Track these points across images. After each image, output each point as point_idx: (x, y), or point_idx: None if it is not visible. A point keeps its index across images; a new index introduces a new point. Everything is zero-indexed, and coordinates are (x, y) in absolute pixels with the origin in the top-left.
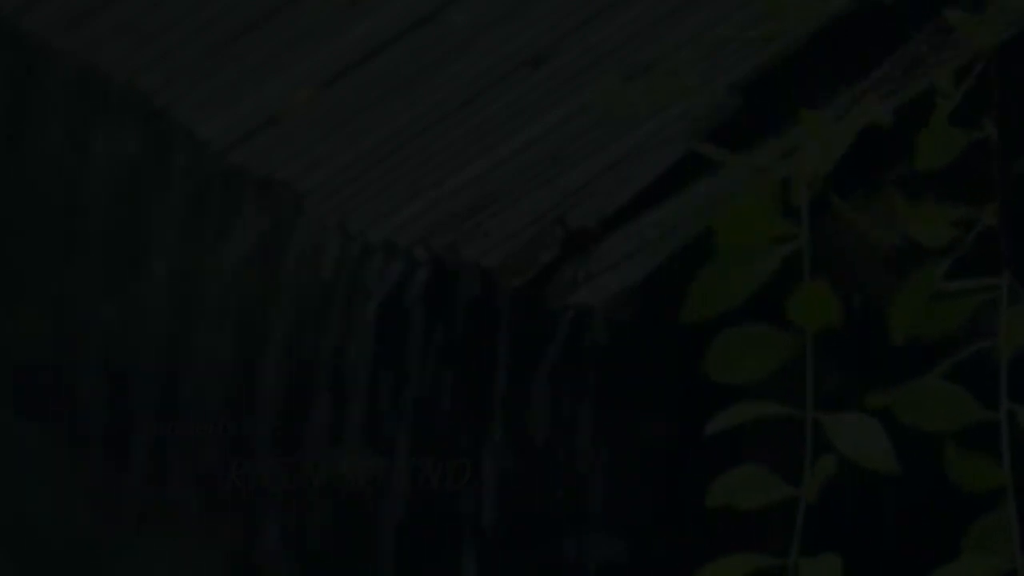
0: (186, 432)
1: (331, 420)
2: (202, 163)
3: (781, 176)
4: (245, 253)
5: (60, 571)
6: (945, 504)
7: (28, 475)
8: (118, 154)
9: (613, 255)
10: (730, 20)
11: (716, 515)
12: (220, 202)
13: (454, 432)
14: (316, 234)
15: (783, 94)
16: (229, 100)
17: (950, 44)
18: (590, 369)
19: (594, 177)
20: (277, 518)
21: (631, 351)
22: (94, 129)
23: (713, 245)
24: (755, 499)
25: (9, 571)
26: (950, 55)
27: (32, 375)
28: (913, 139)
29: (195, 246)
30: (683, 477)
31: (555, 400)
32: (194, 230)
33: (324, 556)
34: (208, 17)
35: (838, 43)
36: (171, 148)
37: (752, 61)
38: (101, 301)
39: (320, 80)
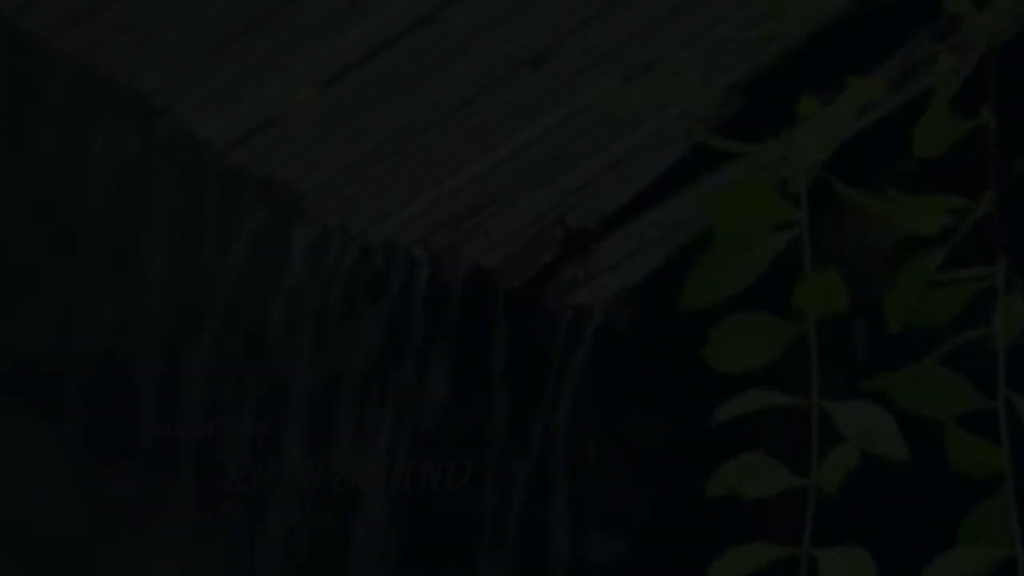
0: (186, 432)
1: (331, 420)
2: (202, 163)
3: (781, 163)
4: (245, 253)
5: (60, 571)
6: (945, 490)
7: (28, 475)
8: (118, 154)
9: (613, 255)
10: (730, 20)
11: (716, 515)
12: (220, 202)
13: (454, 432)
14: (316, 234)
15: (783, 94)
16: (229, 100)
17: (950, 44)
18: (590, 369)
19: (594, 177)
20: (277, 518)
21: (631, 351)
22: (94, 129)
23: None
24: (760, 488)
25: (8, 571)
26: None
27: (32, 375)
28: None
29: (195, 246)
30: (683, 477)
31: (555, 400)
32: (194, 230)
33: (324, 556)
34: (208, 17)
35: (838, 43)
36: (171, 148)
37: (752, 61)
38: (101, 301)
39: (320, 80)
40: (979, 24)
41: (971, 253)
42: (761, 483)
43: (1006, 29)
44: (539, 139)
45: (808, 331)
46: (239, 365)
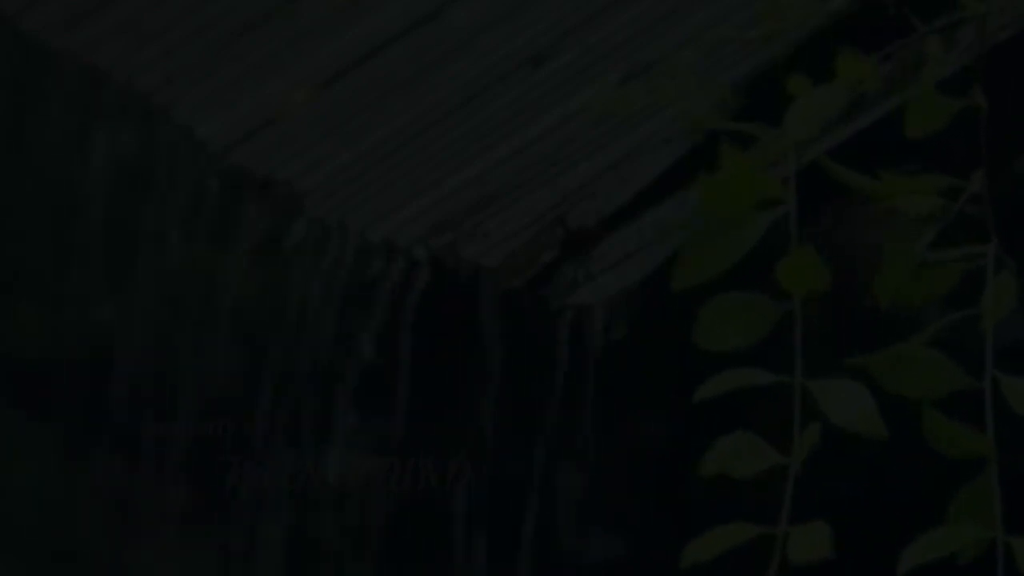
0: (186, 432)
1: (331, 420)
2: (202, 163)
3: (768, 143)
4: (245, 253)
5: (60, 571)
6: (934, 472)
7: (22, 474)
8: (118, 154)
9: (613, 255)
10: (730, 20)
11: (716, 514)
12: (220, 202)
13: (453, 432)
14: (316, 234)
15: (783, 94)
16: (229, 100)
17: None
18: (590, 369)
19: (594, 177)
20: (277, 518)
21: (631, 351)
22: (94, 129)
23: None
24: (748, 467)
25: (8, 571)
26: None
27: (32, 375)
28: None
29: (195, 246)
30: (683, 477)
31: (554, 400)
32: (194, 230)
33: (324, 556)
34: (208, 17)
35: (838, 43)
36: (171, 148)
37: (752, 61)
38: (101, 301)
39: (320, 80)
40: (971, 5)
41: (961, 233)
42: (748, 463)
43: (1006, 27)
44: (539, 139)
45: (794, 310)
46: (238, 365)
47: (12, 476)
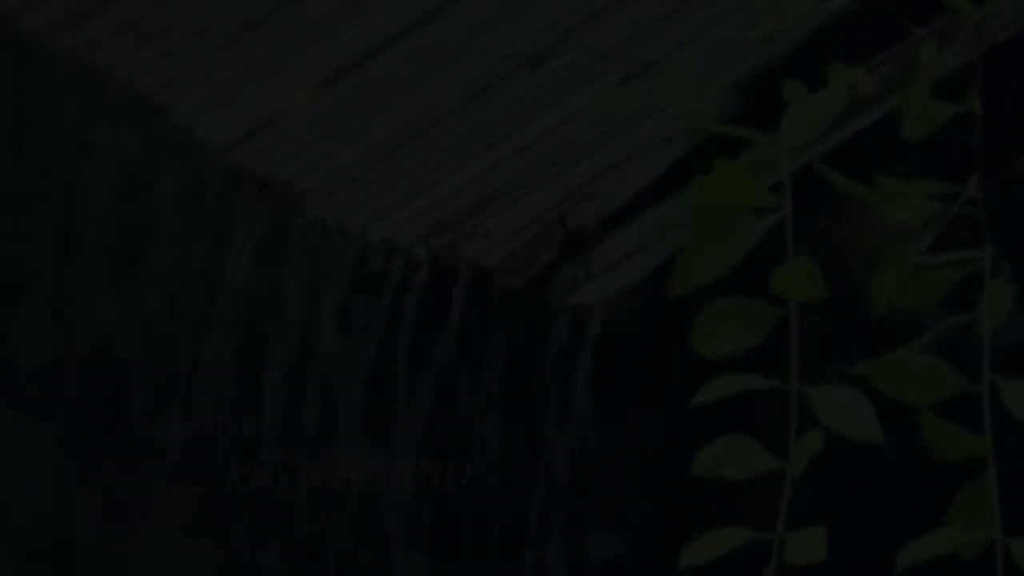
0: (186, 432)
1: (331, 420)
2: (202, 163)
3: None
4: (245, 253)
5: (60, 570)
6: (932, 476)
7: (27, 474)
8: (118, 154)
9: (613, 255)
10: (730, 20)
11: (716, 514)
12: (220, 202)
13: (453, 432)
14: (316, 234)
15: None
16: (229, 100)
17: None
18: (589, 369)
19: (594, 177)
20: (277, 518)
21: (631, 351)
22: (94, 129)
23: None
24: (741, 469)
25: (8, 571)
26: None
27: (32, 375)
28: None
29: (195, 246)
30: (682, 476)
31: (554, 399)
32: (194, 230)
33: (325, 555)
34: (208, 17)
35: (838, 42)
36: (171, 148)
37: (752, 61)
38: (101, 301)
39: (320, 80)
40: (968, 10)
41: (960, 235)
42: (742, 465)
43: (1006, 27)
44: (539, 139)
45: (790, 317)
46: (238, 365)
47: (12, 476)
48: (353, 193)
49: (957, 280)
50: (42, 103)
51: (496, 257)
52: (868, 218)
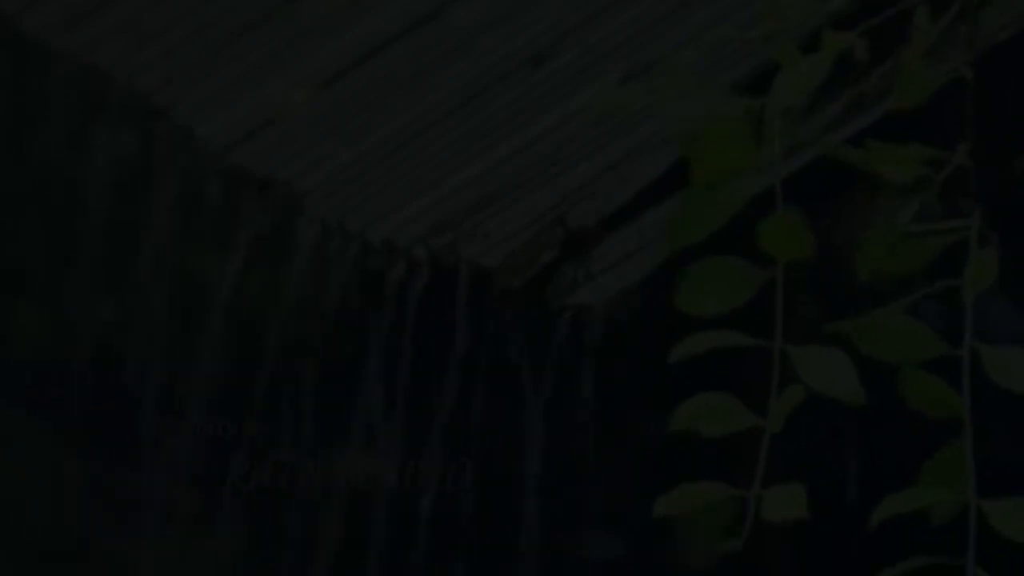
0: (186, 432)
1: (331, 420)
2: (202, 163)
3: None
4: (245, 253)
5: (60, 570)
6: (907, 437)
7: (27, 474)
8: (118, 154)
9: (613, 255)
10: (730, 20)
11: None
12: (220, 202)
13: (454, 432)
14: (316, 234)
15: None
16: (229, 100)
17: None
18: (589, 369)
19: (594, 177)
20: (277, 518)
21: (631, 351)
22: (94, 129)
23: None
24: (719, 426)
25: (8, 571)
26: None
27: (32, 374)
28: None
29: (195, 246)
30: (682, 477)
31: (554, 400)
32: (194, 230)
33: (325, 556)
34: (208, 17)
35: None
36: (171, 148)
37: (752, 61)
38: (101, 301)
39: (320, 80)
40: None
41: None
42: (719, 422)
43: (1006, 27)
44: (539, 139)
45: (776, 276)
46: (239, 365)
47: (12, 476)
48: (353, 193)
49: (942, 248)
50: (42, 103)
51: (496, 257)
52: (868, 218)
